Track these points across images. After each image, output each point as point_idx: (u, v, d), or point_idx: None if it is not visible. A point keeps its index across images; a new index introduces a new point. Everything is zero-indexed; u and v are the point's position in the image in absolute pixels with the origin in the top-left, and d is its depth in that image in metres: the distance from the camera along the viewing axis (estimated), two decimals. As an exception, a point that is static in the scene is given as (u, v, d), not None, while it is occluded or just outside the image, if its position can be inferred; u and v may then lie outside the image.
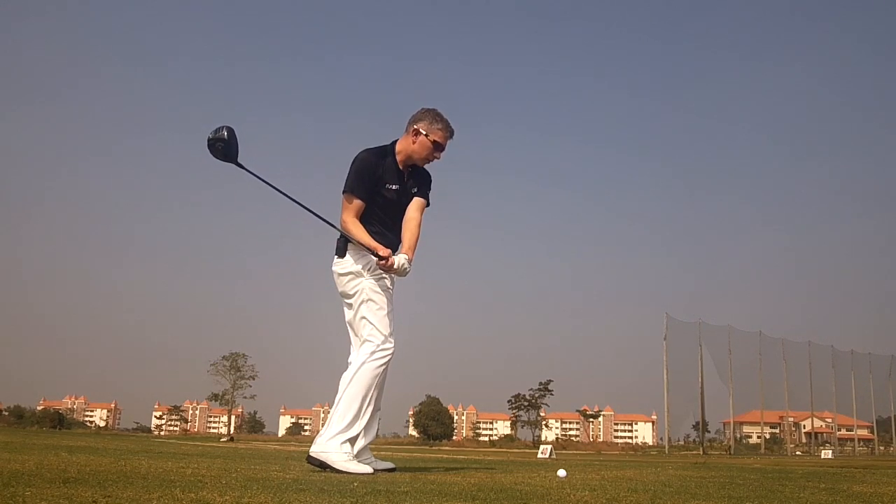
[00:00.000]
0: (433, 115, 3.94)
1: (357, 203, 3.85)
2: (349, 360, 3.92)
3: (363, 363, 3.76)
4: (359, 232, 3.84)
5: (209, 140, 3.61)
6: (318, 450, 3.67)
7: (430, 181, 4.12)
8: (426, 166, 4.08)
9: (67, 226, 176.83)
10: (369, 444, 3.91)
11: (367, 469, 3.65)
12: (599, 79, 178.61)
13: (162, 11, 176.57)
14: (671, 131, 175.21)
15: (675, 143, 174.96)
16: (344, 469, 3.58)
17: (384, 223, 3.94)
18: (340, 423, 3.69)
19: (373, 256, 3.80)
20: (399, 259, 3.85)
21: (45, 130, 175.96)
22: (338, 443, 3.66)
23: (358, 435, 3.74)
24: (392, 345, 3.81)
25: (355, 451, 3.76)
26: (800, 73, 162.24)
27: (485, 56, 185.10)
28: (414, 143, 3.93)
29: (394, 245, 3.99)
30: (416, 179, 4.05)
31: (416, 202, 4.03)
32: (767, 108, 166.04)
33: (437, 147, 3.93)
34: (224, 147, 3.60)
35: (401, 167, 3.96)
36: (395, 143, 4.00)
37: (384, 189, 3.89)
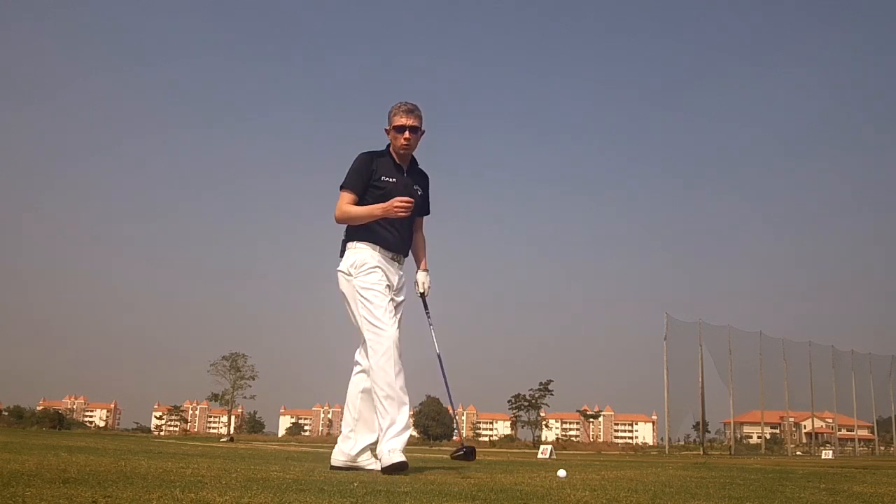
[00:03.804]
0: (391, 108, 4.03)
1: (351, 197, 3.94)
2: (355, 358, 3.99)
3: (372, 369, 3.77)
4: (359, 209, 3.92)
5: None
6: (397, 457, 3.64)
7: (428, 183, 4.23)
8: (421, 163, 4.18)
9: (67, 225, 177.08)
10: (371, 444, 3.93)
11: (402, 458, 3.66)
12: (599, 79, 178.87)
13: (160, 11, 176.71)
14: (671, 131, 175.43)
15: (676, 142, 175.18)
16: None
17: (385, 217, 3.94)
18: (390, 424, 3.70)
19: (396, 209, 3.85)
20: (422, 277, 4.10)
21: (46, 130, 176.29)
22: (403, 442, 3.72)
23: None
24: (388, 334, 3.76)
25: (356, 451, 3.81)
26: (800, 73, 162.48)
27: (484, 56, 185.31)
28: (390, 140, 4.06)
29: (396, 241, 3.99)
30: (416, 178, 4.13)
31: (419, 221, 4.22)
32: (768, 108, 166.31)
33: (398, 129, 3.97)
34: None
35: (397, 162, 4.05)
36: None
37: (380, 181, 3.95)
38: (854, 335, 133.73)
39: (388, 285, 3.91)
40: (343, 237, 4.02)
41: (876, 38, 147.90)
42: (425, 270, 4.18)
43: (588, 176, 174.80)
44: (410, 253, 4.18)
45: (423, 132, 4.05)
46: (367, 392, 3.91)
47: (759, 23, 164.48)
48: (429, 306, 4.12)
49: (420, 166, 4.18)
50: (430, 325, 4.10)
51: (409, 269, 4.19)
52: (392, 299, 3.90)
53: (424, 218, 4.28)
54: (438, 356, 4.04)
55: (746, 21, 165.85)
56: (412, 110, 3.99)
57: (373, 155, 4.03)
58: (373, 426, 3.86)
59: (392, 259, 3.99)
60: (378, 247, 3.93)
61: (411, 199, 3.88)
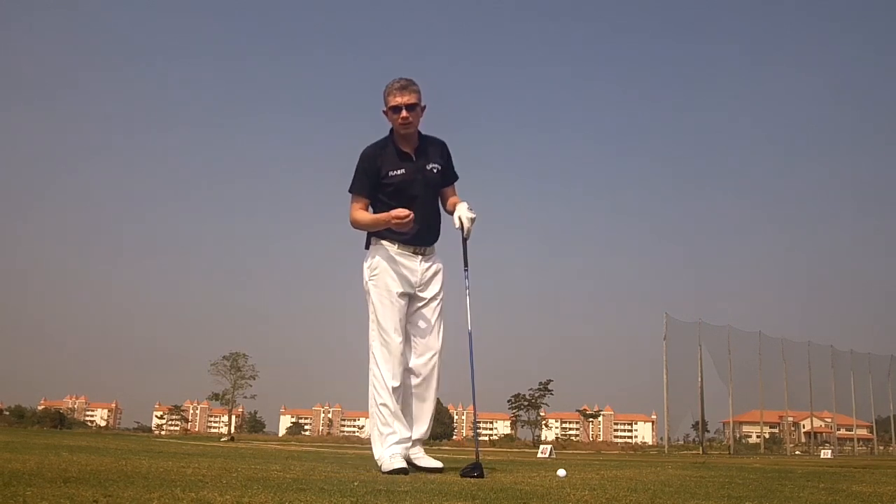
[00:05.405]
0: (385, 88, 3.83)
1: (360, 203, 3.85)
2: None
3: (373, 376, 3.81)
4: (366, 217, 3.82)
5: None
6: (398, 463, 3.70)
7: (447, 150, 4.03)
8: (432, 134, 4.01)
9: (67, 225, 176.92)
10: (418, 438, 3.99)
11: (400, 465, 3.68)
12: (600, 78, 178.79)
13: (160, 11, 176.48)
14: (671, 131, 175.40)
15: (676, 142, 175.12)
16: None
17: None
18: (390, 433, 3.78)
19: (396, 225, 3.67)
20: (461, 210, 3.83)
21: (45, 130, 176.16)
22: (404, 448, 3.81)
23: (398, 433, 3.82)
24: (392, 345, 3.76)
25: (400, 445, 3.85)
26: (800, 72, 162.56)
27: (485, 55, 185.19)
28: (390, 122, 3.88)
29: (417, 233, 3.82)
30: (431, 155, 3.93)
31: (450, 190, 4.02)
32: (768, 107, 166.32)
33: (394, 110, 3.77)
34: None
35: (402, 149, 3.86)
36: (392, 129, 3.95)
37: (387, 177, 3.81)
38: (853, 335, 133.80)
39: (401, 293, 3.82)
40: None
41: (877, 36, 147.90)
42: (464, 202, 3.88)
43: (588, 175, 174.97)
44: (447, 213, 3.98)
45: (423, 107, 3.84)
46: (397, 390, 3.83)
47: (760, 21, 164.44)
48: (468, 257, 3.81)
49: (430, 134, 3.97)
50: (467, 286, 3.81)
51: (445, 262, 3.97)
52: (403, 305, 3.83)
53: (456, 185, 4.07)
54: (469, 335, 3.76)
55: (748, 19, 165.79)
56: (406, 86, 3.76)
57: (376, 148, 3.85)
58: (408, 421, 3.89)
59: (414, 254, 3.85)
60: (398, 242, 3.83)
61: (410, 213, 3.64)
